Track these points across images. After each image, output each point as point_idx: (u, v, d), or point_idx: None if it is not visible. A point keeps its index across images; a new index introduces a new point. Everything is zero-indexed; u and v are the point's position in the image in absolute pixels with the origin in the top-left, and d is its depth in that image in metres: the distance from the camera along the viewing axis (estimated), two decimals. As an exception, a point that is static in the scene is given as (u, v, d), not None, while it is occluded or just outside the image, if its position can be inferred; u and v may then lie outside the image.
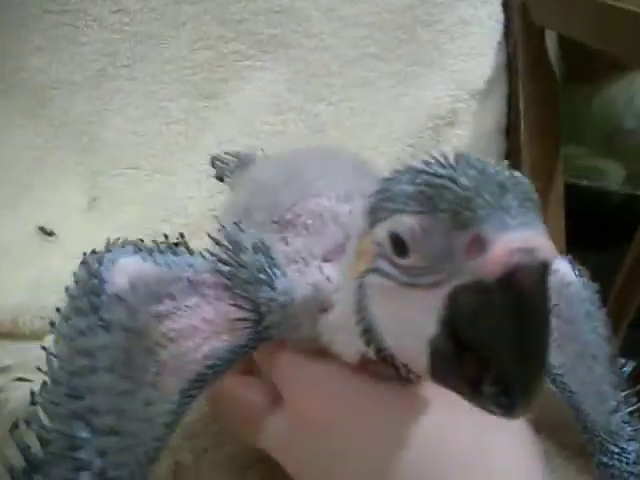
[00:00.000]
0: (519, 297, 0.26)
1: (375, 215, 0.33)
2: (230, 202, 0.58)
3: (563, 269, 0.49)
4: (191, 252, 0.43)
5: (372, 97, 0.90)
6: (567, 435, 0.52)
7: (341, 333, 0.38)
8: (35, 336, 0.69)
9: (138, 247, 0.43)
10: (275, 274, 0.40)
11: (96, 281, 0.40)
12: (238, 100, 0.92)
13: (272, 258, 0.40)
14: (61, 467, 0.36)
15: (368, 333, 0.35)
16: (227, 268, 0.40)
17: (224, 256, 0.41)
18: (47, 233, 0.85)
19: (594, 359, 0.47)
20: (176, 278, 0.40)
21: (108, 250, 0.43)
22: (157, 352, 0.38)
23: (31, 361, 0.61)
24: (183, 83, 0.92)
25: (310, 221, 0.43)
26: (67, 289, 0.42)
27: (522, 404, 0.28)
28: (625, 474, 0.45)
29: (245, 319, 0.39)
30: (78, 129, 0.92)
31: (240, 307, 0.39)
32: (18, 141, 0.90)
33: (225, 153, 0.75)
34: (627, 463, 0.45)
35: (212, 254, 0.41)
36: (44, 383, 0.39)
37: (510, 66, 0.91)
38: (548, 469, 0.40)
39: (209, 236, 0.43)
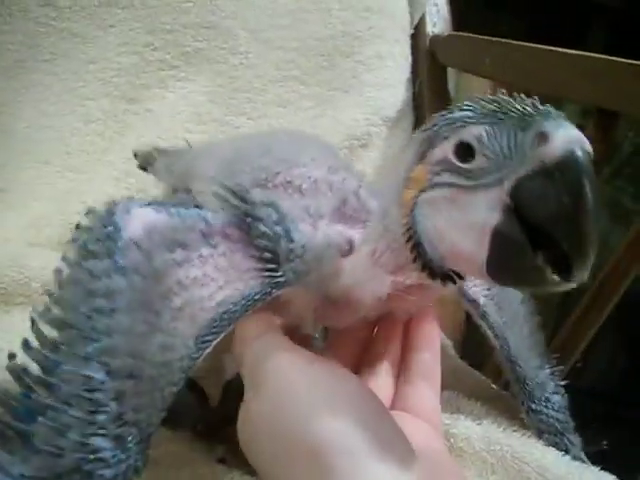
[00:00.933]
0: (578, 175, 0.32)
1: (431, 142, 0.38)
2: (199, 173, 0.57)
3: None
4: (200, 207, 0.45)
5: (291, 116, 0.95)
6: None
7: (367, 270, 0.42)
8: None
9: (149, 201, 0.44)
10: (290, 228, 0.42)
11: (111, 228, 0.41)
12: (159, 107, 0.94)
13: (283, 213, 0.43)
14: (75, 409, 0.35)
15: (418, 248, 0.39)
16: (245, 220, 0.42)
17: (238, 210, 0.43)
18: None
19: (524, 324, 0.55)
20: (190, 228, 0.42)
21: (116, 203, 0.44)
22: (171, 298, 0.39)
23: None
24: (105, 84, 0.92)
25: (305, 185, 0.46)
26: (73, 239, 0.42)
27: (583, 269, 0.33)
28: (551, 419, 0.52)
29: (260, 269, 0.41)
30: (-17, 119, 0.89)
31: (257, 258, 0.41)
32: None
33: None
34: (553, 409, 0.52)
35: (225, 207, 0.43)
36: (34, 326, 0.38)
37: (416, 101, 1.00)
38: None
39: (220, 189, 0.44)
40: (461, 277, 0.40)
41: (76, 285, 0.40)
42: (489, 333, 0.52)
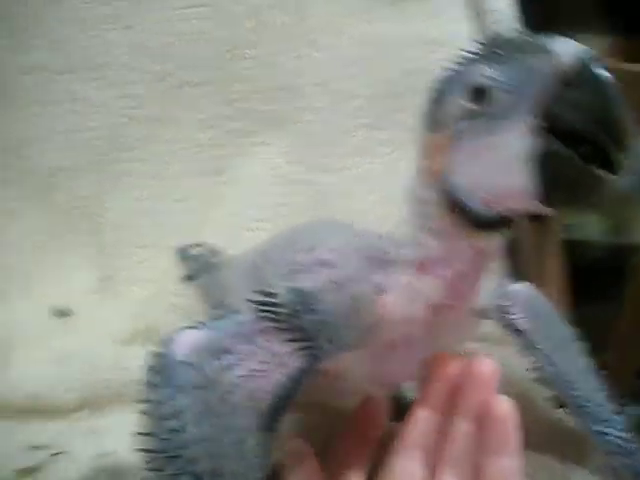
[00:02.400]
0: (596, 73, 0.35)
1: (437, 107, 0.41)
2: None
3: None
4: (236, 313, 0.48)
5: (369, 164, 0.95)
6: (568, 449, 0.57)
7: (416, 286, 0.44)
8: (57, 411, 0.70)
9: (190, 325, 0.48)
10: (310, 301, 0.44)
11: (164, 359, 0.45)
12: (243, 175, 0.96)
13: (305, 292, 0.45)
14: None
15: (464, 208, 0.40)
16: (270, 311, 0.45)
17: (264, 305, 0.46)
18: (63, 314, 0.86)
19: (573, 348, 0.55)
20: (229, 335, 0.45)
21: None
22: (229, 399, 0.42)
23: (64, 437, 0.64)
24: (189, 162, 0.95)
25: (329, 256, 0.47)
26: (143, 382, 0.46)
27: (635, 155, 0.34)
28: (618, 440, 0.51)
29: (298, 349, 0.44)
30: (85, 212, 0.94)
31: (291, 340, 0.44)
32: (21, 227, 0.92)
33: (193, 245, 0.81)
34: (617, 429, 0.51)
35: (253, 304, 0.46)
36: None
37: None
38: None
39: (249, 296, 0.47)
40: (508, 221, 0.41)
41: (151, 418, 0.44)
42: (540, 362, 0.51)
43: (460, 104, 0.39)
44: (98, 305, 0.88)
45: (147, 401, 0.44)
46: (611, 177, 0.34)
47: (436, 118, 0.41)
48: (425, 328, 0.46)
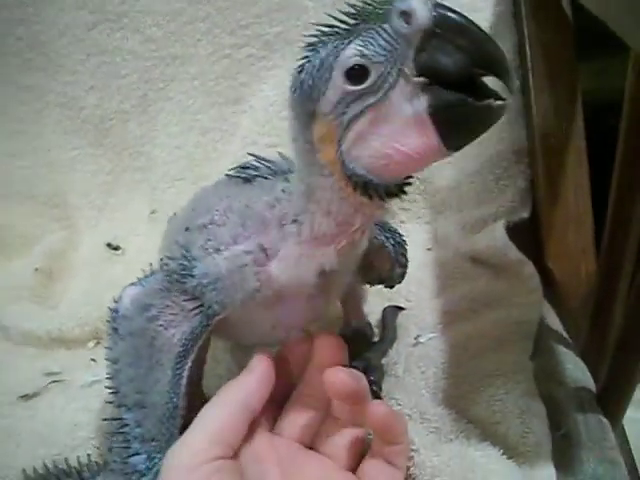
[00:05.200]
0: (453, 18, 0.36)
1: (312, 95, 0.40)
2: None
3: None
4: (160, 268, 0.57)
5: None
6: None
7: (303, 254, 0.47)
8: (78, 342, 0.81)
9: (139, 279, 0.58)
10: (192, 265, 0.51)
11: (114, 313, 0.56)
12: (258, 102, 0.98)
13: (191, 257, 0.51)
14: (116, 442, 0.52)
15: (369, 186, 0.41)
16: (168, 273, 0.54)
17: (165, 267, 0.54)
18: (114, 248, 1.00)
19: None
20: (154, 290, 0.54)
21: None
22: (154, 344, 0.52)
23: (74, 367, 0.76)
24: (210, 94, 1.00)
25: (216, 217, 0.52)
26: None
27: (513, 78, 0.37)
28: None
29: (196, 306, 0.51)
30: (136, 151, 1.05)
31: (190, 299, 0.52)
32: (91, 168, 1.05)
33: None
34: None
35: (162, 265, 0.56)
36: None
37: (516, 13, 0.83)
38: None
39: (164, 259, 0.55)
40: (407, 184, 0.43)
41: (107, 361, 0.56)
42: None
43: (338, 89, 0.38)
44: (145, 239, 0.98)
45: (105, 348, 0.57)
46: (499, 103, 0.36)
47: (312, 109, 0.40)
48: (313, 287, 0.49)
